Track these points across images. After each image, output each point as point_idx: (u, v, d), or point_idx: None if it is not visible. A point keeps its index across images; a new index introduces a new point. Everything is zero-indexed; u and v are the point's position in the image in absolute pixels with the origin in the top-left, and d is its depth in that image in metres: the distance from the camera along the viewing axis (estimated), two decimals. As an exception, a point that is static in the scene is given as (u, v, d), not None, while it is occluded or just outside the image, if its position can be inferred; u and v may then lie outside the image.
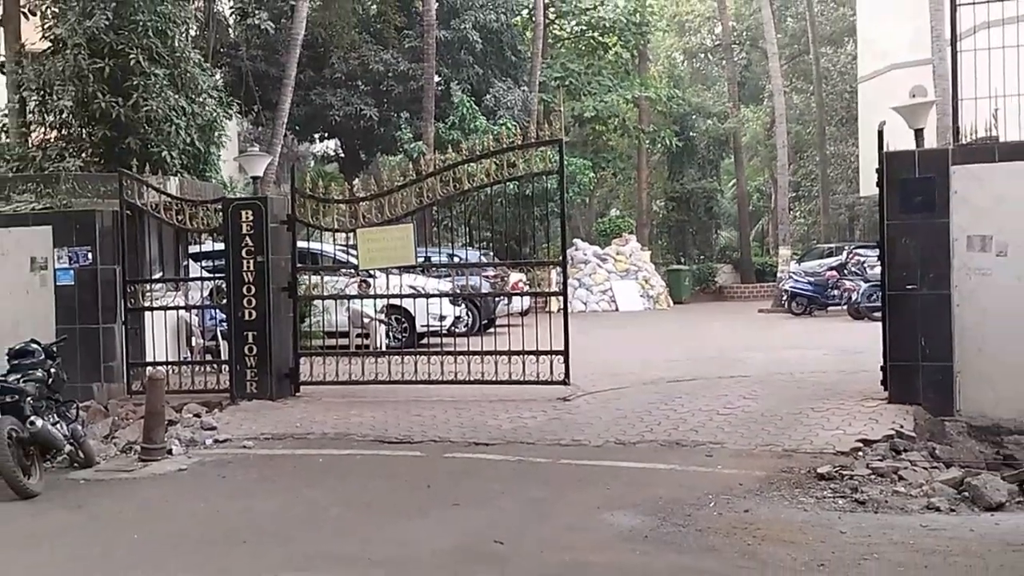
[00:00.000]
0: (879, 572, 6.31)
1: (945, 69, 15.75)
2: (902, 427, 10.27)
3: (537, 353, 13.00)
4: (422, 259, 16.12)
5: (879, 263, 12.65)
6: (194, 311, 14.71)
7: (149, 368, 12.97)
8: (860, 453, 9.52)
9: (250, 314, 12.98)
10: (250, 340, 12.99)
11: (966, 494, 8.26)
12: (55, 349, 10.43)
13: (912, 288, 11.17)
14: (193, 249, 16.11)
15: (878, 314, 13.91)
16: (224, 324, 14.03)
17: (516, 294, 19.87)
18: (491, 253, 21.01)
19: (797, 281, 28.91)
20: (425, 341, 18.39)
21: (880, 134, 12.02)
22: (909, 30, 27.59)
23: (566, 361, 12.89)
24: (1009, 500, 8.14)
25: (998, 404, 10.72)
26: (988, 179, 10.97)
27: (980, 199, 10.95)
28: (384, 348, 16.51)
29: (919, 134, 11.74)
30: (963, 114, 12.35)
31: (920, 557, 6.62)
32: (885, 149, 11.66)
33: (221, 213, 13.32)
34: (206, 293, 14.57)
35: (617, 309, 31.47)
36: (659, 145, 40.02)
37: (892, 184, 11.41)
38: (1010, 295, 10.73)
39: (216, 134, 17.47)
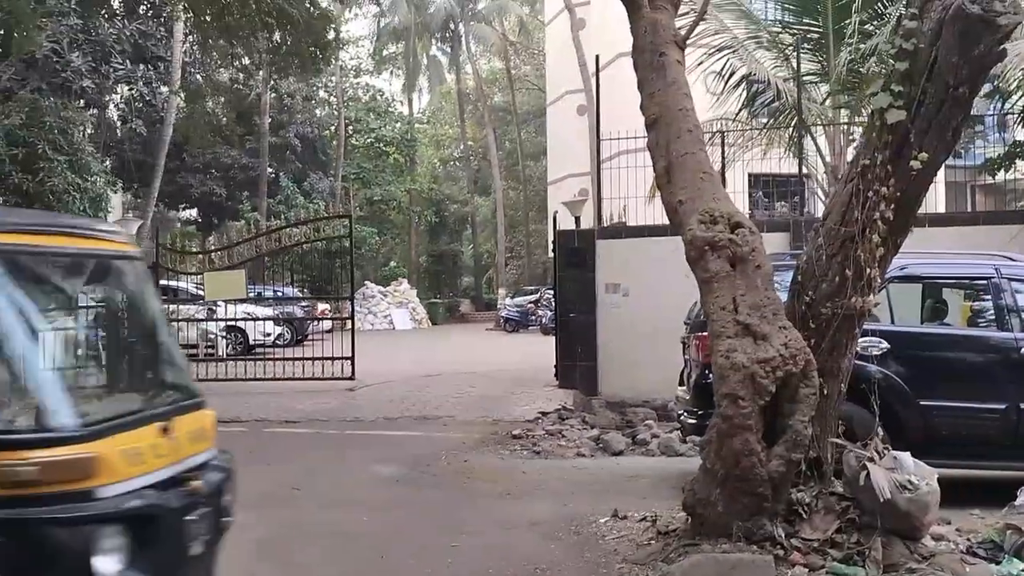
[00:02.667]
0: (546, 496, 6.46)
1: (596, 178, 16.66)
2: (566, 404, 10.58)
3: (333, 359, 12.74)
4: (254, 293, 15.50)
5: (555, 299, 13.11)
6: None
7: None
8: (539, 420, 9.70)
9: (124, 332, 12.09)
10: (123, 350, 12.08)
11: (601, 445, 8.57)
12: None
13: (573, 315, 11.61)
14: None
15: (555, 332, 14.42)
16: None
17: (321, 318, 19.40)
18: (304, 289, 20.45)
19: (510, 310, 29.64)
20: (255, 351, 17.61)
21: (554, 219, 12.51)
22: (579, 152, 28.60)
23: (352, 364, 12.68)
24: (626, 448, 8.53)
25: (623, 388, 11.13)
26: (618, 249, 11.52)
27: (613, 261, 11.47)
28: (224, 356, 15.71)
29: (578, 220, 12.34)
30: (605, 207, 13.01)
31: (572, 486, 6.81)
32: (557, 228, 12.14)
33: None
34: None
35: (394, 328, 31.14)
36: (423, 220, 40.10)
37: (561, 250, 11.87)
38: (629, 321, 11.21)
39: (104, 204, 16.26)
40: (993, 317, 6.09)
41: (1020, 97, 11.02)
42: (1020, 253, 6.79)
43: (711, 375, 5.49)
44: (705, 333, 6.10)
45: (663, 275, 10.75)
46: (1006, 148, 11.50)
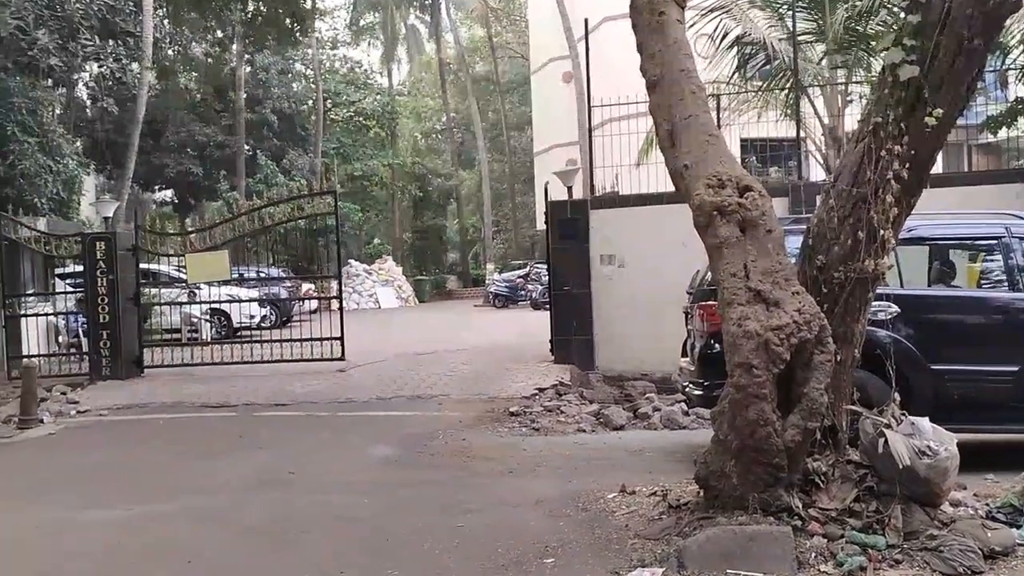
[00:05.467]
0: (547, 474, 6.45)
1: (586, 147, 16.53)
2: (563, 379, 10.58)
3: (322, 339, 12.63)
4: (237, 275, 15.34)
5: (548, 273, 13.10)
6: (60, 316, 13.42)
7: (24, 359, 11.68)
8: (537, 397, 9.71)
9: (104, 317, 11.99)
10: (105, 336, 11.99)
11: (601, 420, 8.57)
12: None
13: (567, 288, 11.58)
14: (60, 271, 14.67)
15: (548, 306, 14.41)
16: (85, 325, 12.88)
17: (307, 298, 19.23)
18: (288, 270, 20.28)
19: (498, 286, 29.56)
20: (240, 334, 17.49)
21: (545, 190, 12.43)
22: (566, 121, 28.48)
23: (342, 344, 12.59)
24: (627, 423, 8.54)
25: (621, 362, 11.20)
26: (612, 219, 11.50)
27: (608, 231, 11.49)
28: (208, 339, 15.58)
29: (570, 190, 12.24)
30: (597, 177, 12.95)
31: (573, 462, 6.82)
32: (549, 199, 12.08)
33: (80, 244, 12.29)
34: (71, 303, 13.32)
35: (380, 307, 31.05)
36: (406, 195, 39.83)
37: (553, 222, 11.81)
38: (624, 293, 11.28)
39: (76, 186, 16.06)
40: (1004, 277, 6.07)
41: (1021, 53, 10.95)
42: (1026, 212, 6.75)
43: (717, 345, 5.50)
44: (710, 302, 6.09)
45: (659, 244, 10.84)
46: (1008, 105, 11.45)
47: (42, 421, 9.55)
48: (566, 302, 11.56)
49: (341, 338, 12.58)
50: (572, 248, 11.51)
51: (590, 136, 12.90)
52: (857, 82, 12.44)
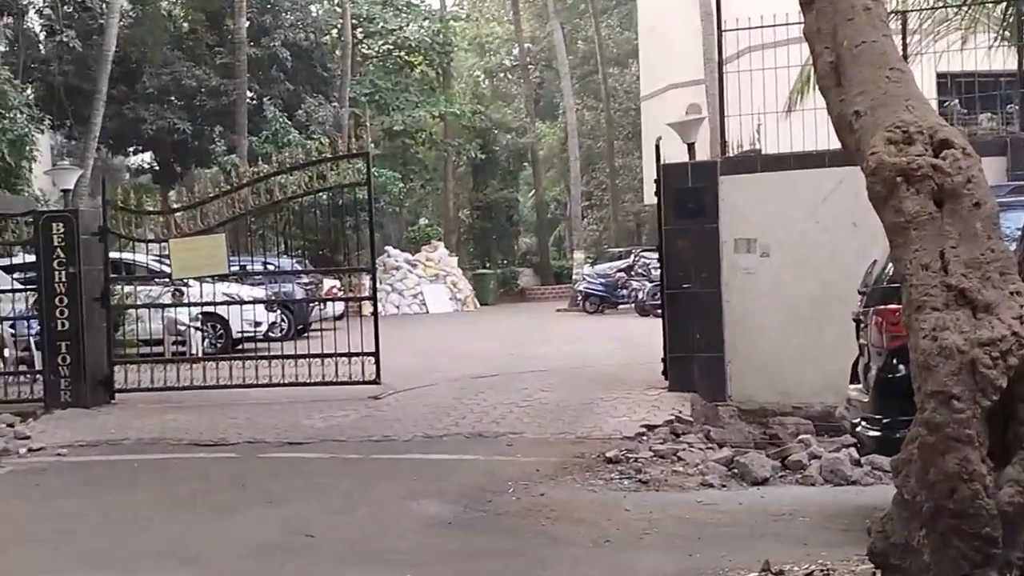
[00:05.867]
0: (658, 545, 6.43)
1: (715, 88, 16.45)
2: (680, 413, 10.54)
3: (349, 355, 12.89)
4: (237, 267, 15.77)
5: (660, 265, 13.06)
6: (6, 322, 13.96)
7: (-41, 380, 12.24)
8: (644, 437, 9.68)
9: (63, 324, 12.43)
10: (63, 350, 12.44)
11: (736, 471, 8.48)
12: None
13: (687, 286, 11.54)
14: (4, 262, 15.29)
15: (660, 310, 14.36)
16: (38, 335, 13.39)
17: (329, 299, 19.70)
18: (305, 261, 20.75)
19: (591, 282, 29.58)
20: (241, 347, 17.96)
21: (657, 148, 12.40)
22: (685, 52, 28.18)
23: (377, 362, 12.83)
24: (773, 475, 8.43)
25: (764, 389, 11.16)
26: (752, 188, 11.42)
27: (745, 206, 11.41)
28: (200, 354, 16.05)
29: (691, 148, 12.20)
30: (730, 129, 12.88)
31: (695, 529, 6.77)
32: (662, 161, 12.05)
33: (32, 226, 12.73)
34: (18, 305, 13.85)
35: (428, 311, 31.51)
36: (464, 157, 40.30)
37: (668, 193, 11.78)
38: (772, 292, 11.22)
39: (27, 148, 16.74)
40: None
41: None
42: None
43: (902, 366, 5.40)
44: (892, 306, 6.00)
45: (819, 224, 10.71)
46: None
47: (-18, 461, 9.97)
48: (686, 305, 11.55)
49: (376, 354, 12.80)
50: (694, 230, 11.48)
51: (720, 72, 12.84)
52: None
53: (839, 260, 10.36)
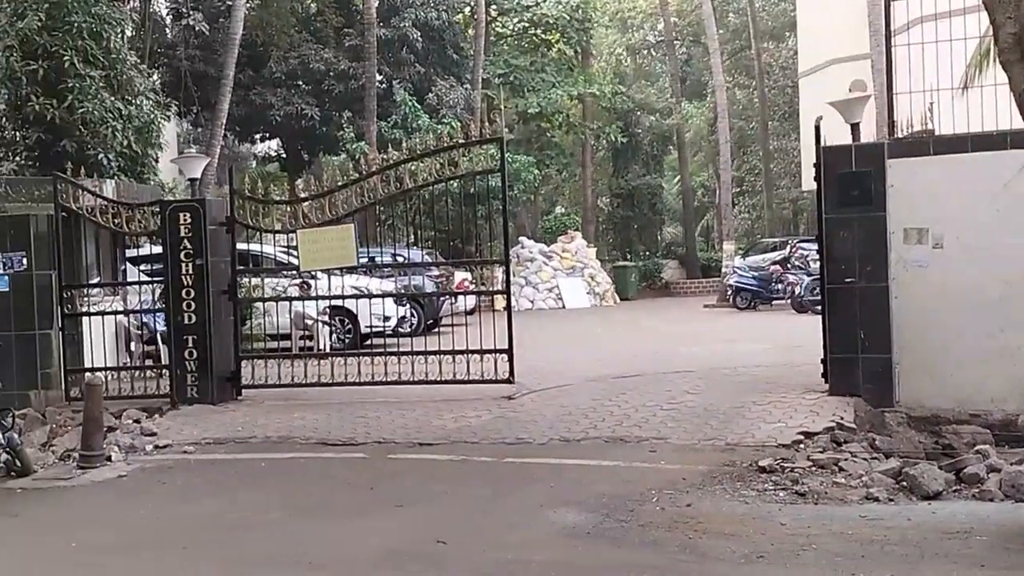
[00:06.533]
0: (817, 562, 6.38)
1: (883, 63, 16.02)
2: (842, 419, 10.35)
3: (481, 352, 12.99)
4: (365, 259, 16.06)
5: (820, 258, 12.80)
6: (133, 316, 14.54)
7: (87, 374, 12.80)
8: (801, 446, 9.58)
9: (190, 318, 12.87)
10: (190, 344, 12.88)
11: (904, 484, 8.34)
12: None
13: (851, 281, 11.29)
14: (131, 253, 15.94)
15: (819, 307, 14.09)
16: (165, 328, 13.89)
17: (461, 293, 19.91)
18: (435, 252, 21.02)
19: (742, 276, 29.20)
20: (369, 342, 18.32)
21: (817, 129, 12.14)
22: (849, 24, 27.69)
23: (510, 359, 12.90)
24: (946, 489, 8.26)
25: (936, 394, 10.83)
26: (923, 173, 11.09)
27: (916, 192, 11.09)
28: (327, 350, 16.43)
29: (855, 128, 11.89)
30: (899, 108, 12.55)
31: (858, 547, 6.69)
32: (823, 144, 11.80)
33: (159, 216, 13.17)
34: (145, 297, 14.39)
35: (564, 307, 31.55)
36: (603, 141, 40.18)
37: (829, 178, 11.53)
38: (946, 287, 10.88)
39: (154, 136, 17.35)
40: None
41: None
42: None
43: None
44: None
45: (1001, 213, 10.38)
46: None
47: (109, 459, 10.46)
48: (849, 302, 11.32)
49: (509, 351, 12.88)
50: (859, 218, 11.24)
51: (888, 45, 12.54)
52: None
53: (1022, 252, 9.98)
